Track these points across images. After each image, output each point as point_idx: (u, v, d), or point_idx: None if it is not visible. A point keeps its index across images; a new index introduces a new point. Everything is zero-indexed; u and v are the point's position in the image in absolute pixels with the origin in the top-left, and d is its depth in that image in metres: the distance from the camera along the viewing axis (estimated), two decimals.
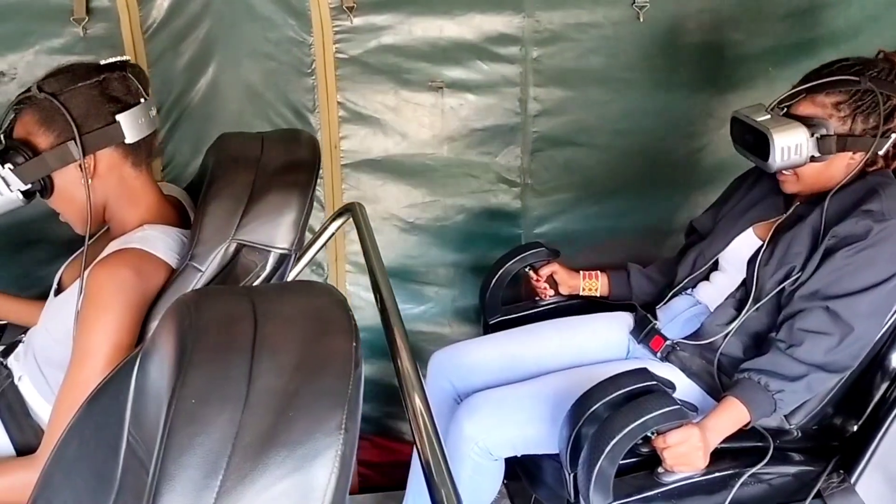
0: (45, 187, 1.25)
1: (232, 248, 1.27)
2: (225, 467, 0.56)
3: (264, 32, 1.91)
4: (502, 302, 1.88)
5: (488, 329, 1.87)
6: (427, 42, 1.95)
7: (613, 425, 1.24)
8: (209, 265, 1.25)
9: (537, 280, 1.85)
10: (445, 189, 2.07)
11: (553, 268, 1.84)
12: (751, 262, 1.53)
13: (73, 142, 1.21)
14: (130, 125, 1.25)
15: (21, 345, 1.44)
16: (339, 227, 1.48)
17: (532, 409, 1.49)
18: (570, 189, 2.10)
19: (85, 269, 1.23)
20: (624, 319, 1.73)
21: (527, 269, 1.87)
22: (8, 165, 1.20)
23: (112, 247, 1.28)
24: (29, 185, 1.23)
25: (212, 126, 1.96)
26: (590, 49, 1.98)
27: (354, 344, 0.65)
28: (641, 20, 1.95)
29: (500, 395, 1.56)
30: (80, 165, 1.23)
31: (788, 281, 1.44)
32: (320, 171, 1.67)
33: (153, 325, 1.20)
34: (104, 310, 1.17)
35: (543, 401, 1.48)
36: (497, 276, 1.84)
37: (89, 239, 1.27)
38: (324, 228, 1.52)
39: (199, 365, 0.62)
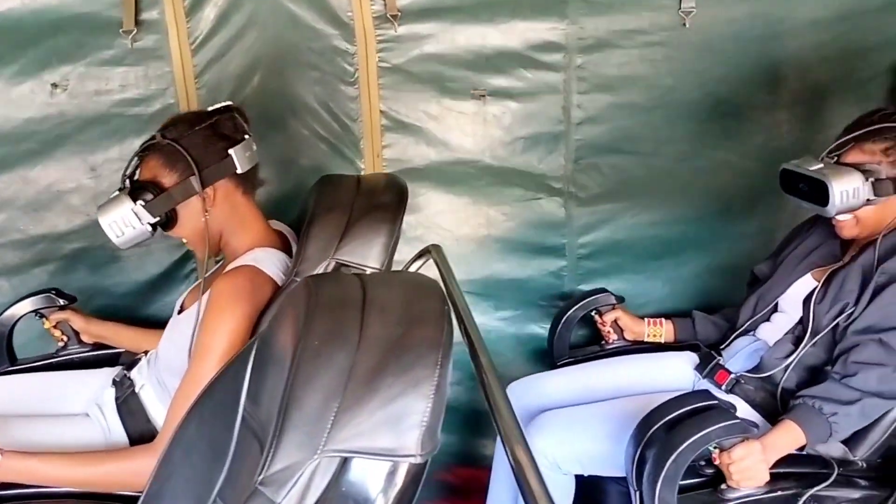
0: (169, 219, 1.44)
1: (331, 267, 1.42)
2: (343, 392, 0.68)
3: (308, 42, 1.92)
4: (570, 345, 1.99)
5: None
6: (470, 50, 1.95)
7: (677, 438, 1.28)
8: None
9: (602, 324, 1.95)
10: (488, 197, 2.06)
11: (617, 314, 1.93)
12: (806, 301, 1.62)
13: (194, 177, 1.40)
14: (241, 157, 1.45)
15: (143, 359, 1.61)
16: (419, 267, 1.58)
17: (600, 427, 1.55)
18: (616, 197, 2.07)
19: (204, 287, 1.44)
20: (689, 357, 1.80)
21: (593, 314, 1.96)
22: (139, 202, 1.40)
23: (229, 267, 1.47)
24: (157, 218, 1.42)
25: (257, 136, 1.98)
26: (635, 56, 1.95)
27: (446, 307, 0.79)
28: (688, 26, 1.92)
29: (570, 413, 1.64)
30: (202, 197, 1.43)
31: (842, 317, 1.52)
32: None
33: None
34: (223, 313, 1.34)
35: (611, 420, 1.54)
36: (564, 320, 1.95)
37: (206, 269, 1.50)
38: (406, 267, 1.60)
39: (320, 318, 0.77)
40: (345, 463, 0.65)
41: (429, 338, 0.73)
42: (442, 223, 2.07)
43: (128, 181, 1.45)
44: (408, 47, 1.94)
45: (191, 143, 1.41)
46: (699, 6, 1.90)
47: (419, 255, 1.56)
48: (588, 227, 2.08)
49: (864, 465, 1.50)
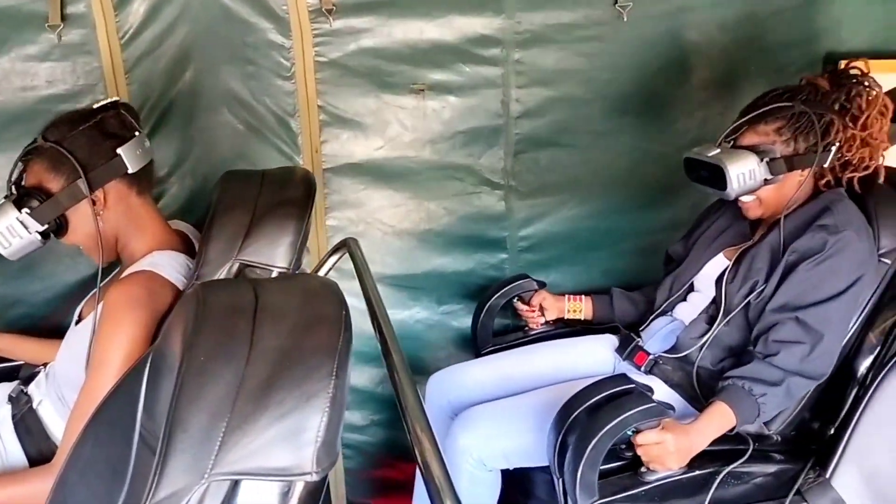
0: (60, 226, 1.37)
1: (235, 268, 1.37)
2: (230, 410, 0.64)
3: (242, 36, 1.89)
4: (493, 332, 1.97)
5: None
6: (407, 44, 1.93)
7: (595, 424, 1.29)
8: None
9: (530, 310, 1.93)
10: (429, 192, 2.05)
11: (542, 296, 1.93)
12: (718, 280, 1.63)
13: (81, 180, 1.33)
14: (131, 156, 1.37)
15: (41, 373, 1.54)
16: (335, 263, 1.53)
17: (523, 420, 1.55)
18: (555, 190, 2.08)
19: (101, 296, 1.34)
20: (609, 340, 1.82)
21: (515, 301, 1.95)
22: (25, 210, 1.33)
23: (125, 273, 1.40)
24: (45, 226, 1.35)
25: (191, 132, 1.95)
26: (571, 50, 1.97)
27: (344, 312, 0.74)
28: (624, 20, 1.94)
29: (493, 409, 1.62)
30: (91, 200, 1.35)
31: (753, 294, 1.54)
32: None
33: None
34: (118, 323, 1.28)
35: (533, 412, 1.54)
36: (486, 308, 1.93)
37: (104, 273, 1.40)
38: (321, 264, 1.55)
39: (208, 330, 0.72)
40: (235, 486, 0.63)
41: (323, 346, 0.69)
42: (382, 218, 2.06)
43: (13, 188, 1.38)
44: (344, 41, 1.92)
45: (74, 144, 1.34)
46: (635, 1, 1.92)
47: (335, 250, 1.52)
48: (528, 220, 2.10)
49: (779, 438, 1.55)
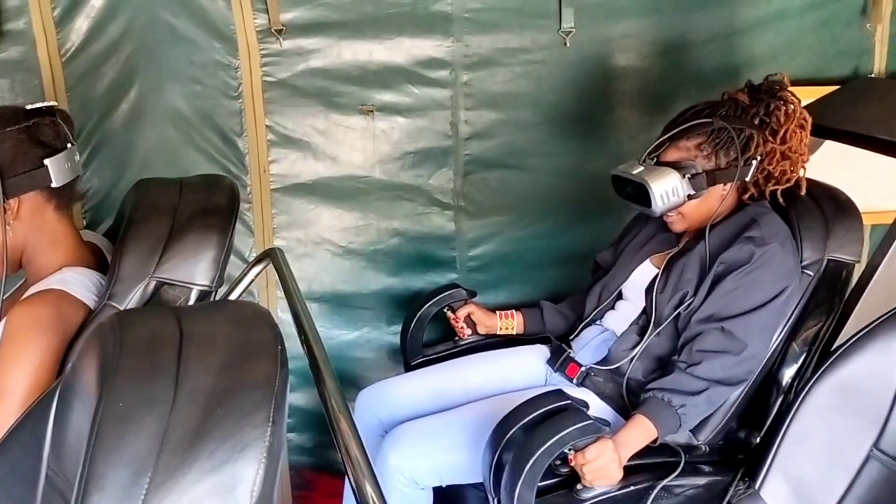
0: None
1: (151, 287, 1.26)
2: (154, 464, 0.57)
3: (188, 56, 1.88)
4: (423, 343, 1.91)
5: (410, 370, 1.89)
6: (357, 66, 1.95)
7: (532, 443, 1.27)
8: (128, 304, 1.24)
9: (455, 320, 1.89)
10: (378, 212, 2.06)
11: (470, 308, 1.87)
12: (648, 290, 1.62)
13: None
14: (57, 170, 1.24)
15: None
16: (258, 274, 1.46)
17: (455, 436, 1.52)
18: (504, 211, 2.11)
19: (2, 313, 1.21)
20: (541, 351, 1.80)
21: (445, 310, 1.90)
22: None
23: (31, 290, 1.26)
24: None
25: (134, 152, 1.92)
26: (518, 73, 2.01)
27: (280, 346, 0.67)
28: (568, 45, 1.99)
29: (424, 426, 1.59)
30: (2, 208, 1.21)
31: (683, 306, 1.54)
32: (249, 198, 1.86)
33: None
34: (23, 348, 1.15)
35: (466, 428, 1.52)
36: (416, 319, 1.88)
37: (5, 288, 1.25)
38: (244, 275, 1.48)
39: (126, 370, 0.64)
40: None
41: (258, 387, 0.62)
42: (332, 239, 2.05)
43: None
44: (293, 62, 1.92)
45: None
46: (578, 27, 1.97)
47: (257, 261, 1.43)
48: (477, 240, 2.12)
49: (707, 448, 1.56)
